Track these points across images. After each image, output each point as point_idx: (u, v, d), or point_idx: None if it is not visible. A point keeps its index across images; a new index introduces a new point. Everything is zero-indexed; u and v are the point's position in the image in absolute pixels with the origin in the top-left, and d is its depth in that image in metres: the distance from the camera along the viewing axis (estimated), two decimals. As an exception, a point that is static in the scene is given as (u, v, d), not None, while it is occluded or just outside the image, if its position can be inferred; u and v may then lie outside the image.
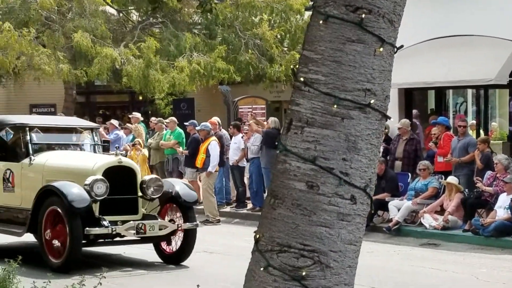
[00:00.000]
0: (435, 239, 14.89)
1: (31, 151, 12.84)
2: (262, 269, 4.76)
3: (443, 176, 16.15)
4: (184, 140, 20.18)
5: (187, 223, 12.36)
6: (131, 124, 22.69)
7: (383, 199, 15.99)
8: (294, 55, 27.08)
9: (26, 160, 12.78)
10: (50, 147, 13.36)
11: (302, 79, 4.75)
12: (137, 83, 26.11)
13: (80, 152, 13.58)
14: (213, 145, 18.09)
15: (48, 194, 11.83)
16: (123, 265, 12.53)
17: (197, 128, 18.87)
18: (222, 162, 18.77)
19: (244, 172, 19.13)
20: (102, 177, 11.82)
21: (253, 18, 28.23)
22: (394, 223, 15.59)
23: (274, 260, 4.74)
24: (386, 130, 17.08)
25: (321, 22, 4.72)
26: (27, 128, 13.06)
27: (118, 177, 12.19)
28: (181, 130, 20.46)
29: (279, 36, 28.42)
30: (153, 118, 23.12)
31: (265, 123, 19.67)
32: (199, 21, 29.31)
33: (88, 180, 11.70)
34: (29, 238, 13.11)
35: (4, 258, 8.28)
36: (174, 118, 21.16)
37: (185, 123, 19.96)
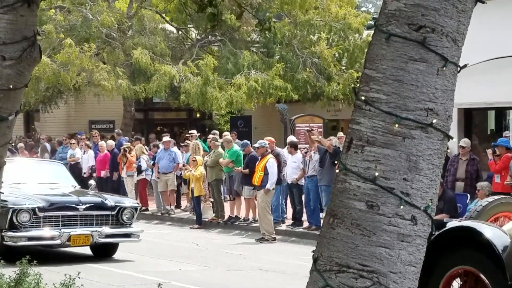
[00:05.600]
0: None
1: None
2: (320, 289, 4.71)
3: (503, 198, 15.86)
4: (242, 157, 20.21)
5: None
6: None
7: (441, 219, 15.76)
8: (352, 73, 27.04)
9: None
10: None
11: (363, 97, 4.71)
12: (195, 100, 26.31)
13: None
14: (271, 163, 18.09)
15: None
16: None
17: (255, 145, 18.90)
18: (279, 179, 18.77)
19: (303, 190, 19.09)
20: None
21: (311, 36, 28.29)
22: (453, 245, 15.35)
23: (333, 280, 4.69)
24: (449, 150, 16.86)
25: (383, 40, 4.68)
26: None
27: None
28: (237, 148, 20.50)
29: (337, 55, 28.42)
30: (210, 136, 23.21)
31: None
32: (257, 39, 29.46)
33: None
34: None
35: None
36: (228, 137, 21.14)
37: (239, 147, 20.14)
